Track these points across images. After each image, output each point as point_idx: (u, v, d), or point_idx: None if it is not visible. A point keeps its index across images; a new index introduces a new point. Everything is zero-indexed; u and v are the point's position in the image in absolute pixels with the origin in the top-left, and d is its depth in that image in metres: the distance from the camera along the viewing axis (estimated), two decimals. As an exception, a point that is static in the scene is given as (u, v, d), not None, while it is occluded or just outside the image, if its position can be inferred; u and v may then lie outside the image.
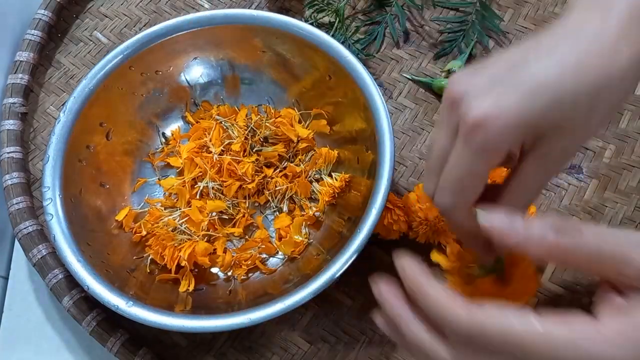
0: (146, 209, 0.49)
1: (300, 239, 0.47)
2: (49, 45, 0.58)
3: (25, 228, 0.47)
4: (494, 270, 0.36)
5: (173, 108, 0.52)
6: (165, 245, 0.45)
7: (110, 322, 0.44)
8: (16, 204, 0.48)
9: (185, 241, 0.46)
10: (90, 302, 0.45)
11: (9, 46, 0.57)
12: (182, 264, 0.44)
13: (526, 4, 0.57)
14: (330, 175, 0.48)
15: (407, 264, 0.29)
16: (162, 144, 0.52)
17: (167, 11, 0.60)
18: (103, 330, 0.44)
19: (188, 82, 0.52)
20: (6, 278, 0.50)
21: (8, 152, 0.51)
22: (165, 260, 0.45)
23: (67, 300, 0.44)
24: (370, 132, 0.43)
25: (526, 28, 0.56)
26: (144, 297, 0.41)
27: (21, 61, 0.55)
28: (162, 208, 0.49)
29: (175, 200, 0.49)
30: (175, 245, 0.45)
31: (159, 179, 0.51)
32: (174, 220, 0.47)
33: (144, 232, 0.47)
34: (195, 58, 0.51)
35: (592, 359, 0.22)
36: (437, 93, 0.53)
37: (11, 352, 0.47)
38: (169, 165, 0.51)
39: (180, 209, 0.48)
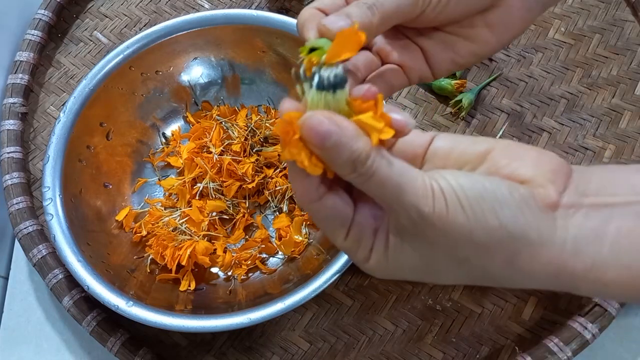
0: (146, 209, 0.49)
1: (300, 238, 0.47)
2: (49, 45, 0.58)
3: (25, 228, 0.47)
4: None
5: (173, 108, 0.52)
6: (166, 245, 0.45)
7: (110, 322, 0.44)
8: (16, 204, 0.48)
9: (186, 241, 0.46)
10: (90, 302, 0.45)
11: (9, 46, 0.57)
12: (183, 263, 0.44)
13: (526, 4, 0.57)
14: None
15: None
16: (162, 144, 0.52)
17: (167, 11, 0.60)
18: (103, 330, 0.44)
19: (188, 83, 0.52)
20: (6, 278, 0.50)
21: (8, 152, 0.51)
22: (166, 260, 0.45)
23: (67, 300, 0.44)
24: None
25: (526, 28, 0.56)
26: (144, 297, 0.41)
27: (21, 61, 0.55)
28: (162, 208, 0.49)
29: (175, 201, 0.49)
30: (176, 245, 0.45)
31: (159, 179, 0.51)
32: (175, 220, 0.47)
33: (144, 232, 0.47)
34: (196, 58, 0.51)
35: None
36: (437, 93, 0.53)
37: (11, 352, 0.47)
38: (169, 166, 0.51)
39: (180, 209, 0.48)
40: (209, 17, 0.48)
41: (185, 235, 0.47)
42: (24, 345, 0.48)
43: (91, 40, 0.59)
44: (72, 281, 0.46)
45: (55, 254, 0.47)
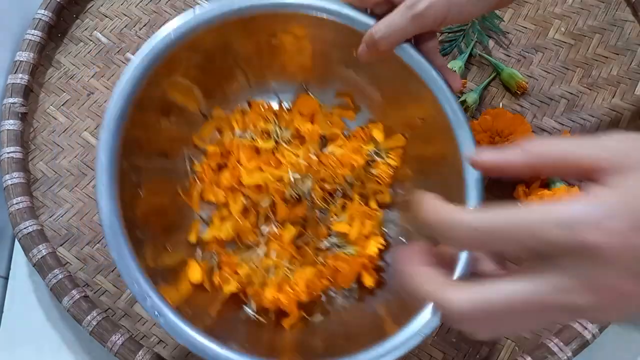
0: (208, 258, 0.45)
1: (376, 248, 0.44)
2: (49, 45, 0.58)
3: (25, 228, 0.47)
4: None
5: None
6: (264, 287, 0.43)
7: (110, 322, 0.44)
8: (16, 204, 0.48)
9: (281, 276, 0.43)
10: (90, 302, 0.45)
11: (9, 46, 0.57)
12: (296, 299, 0.42)
13: (526, 4, 0.57)
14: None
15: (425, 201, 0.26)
16: (190, 172, 0.48)
17: (167, 11, 0.60)
18: (103, 330, 0.44)
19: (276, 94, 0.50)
20: (6, 278, 0.50)
21: (8, 152, 0.51)
22: (270, 303, 0.42)
23: (67, 300, 0.44)
24: (451, 157, 0.39)
25: (526, 28, 0.56)
26: (252, 349, 0.38)
27: (21, 61, 0.55)
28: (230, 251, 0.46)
29: (231, 237, 0.45)
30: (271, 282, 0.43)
31: (206, 222, 0.47)
32: (258, 259, 0.44)
33: (235, 287, 0.43)
34: None
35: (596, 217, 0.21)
36: (437, 93, 0.53)
37: (11, 352, 0.47)
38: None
39: (258, 248, 0.44)
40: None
41: (276, 270, 0.43)
42: (24, 345, 0.48)
43: (91, 40, 0.59)
44: (72, 281, 0.46)
45: (55, 254, 0.47)
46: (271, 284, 0.43)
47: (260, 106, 0.49)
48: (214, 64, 0.46)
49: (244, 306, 0.44)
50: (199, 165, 0.47)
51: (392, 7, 0.39)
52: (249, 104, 0.50)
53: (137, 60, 0.40)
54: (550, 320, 0.24)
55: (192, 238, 0.46)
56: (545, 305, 0.22)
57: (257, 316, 0.43)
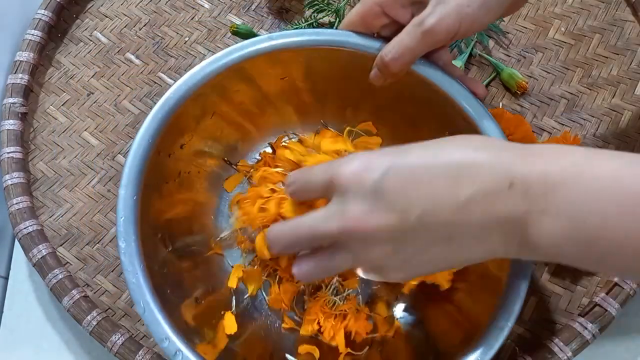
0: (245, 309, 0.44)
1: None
2: (49, 45, 0.58)
3: (25, 228, 0.47)
4: None
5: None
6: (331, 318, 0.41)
7: (110, 322, 0.44)
8: (16, 204, 0.48)
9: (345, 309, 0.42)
10: (90, 302, 0.45)
11: (9, 46, 0.57)
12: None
13: (526, 4, 0.57)
14: None
15: None
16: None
17: (167, 11, 0.60)
18: (103, 330, 0.44)
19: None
20: (6, 278, 0.50)
21: (8, 152, 0.51)
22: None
23: (67, 300, 0.44)
24: None
25: (526, 28, 0.56)
26: None
27: (21, 61, 0.55)
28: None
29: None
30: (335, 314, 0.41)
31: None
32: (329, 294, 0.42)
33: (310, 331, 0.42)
34: None
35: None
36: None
37: (11, 352, 0.47)
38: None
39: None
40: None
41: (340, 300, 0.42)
42: (24, 345, 0.48)
43: (91, 40, 0.59)
44: (72, 281, 0.46)
45: (55, 254, 0.47)
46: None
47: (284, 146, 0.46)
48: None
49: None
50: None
51: (399, 27, 0.38)
52: (272, 147, 0.48)
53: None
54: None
55: (232, 284, 0.43)
56: (314, 228, 0.31)
57: None
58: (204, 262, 0.45)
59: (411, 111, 0.44)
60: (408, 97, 0.42)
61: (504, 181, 0.27)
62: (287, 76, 0.44)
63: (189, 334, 0.36)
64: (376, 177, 0.28)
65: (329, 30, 0.42)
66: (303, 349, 0.41)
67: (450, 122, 0.40)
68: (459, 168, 0.28)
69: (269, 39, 0.41)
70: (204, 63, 0.41)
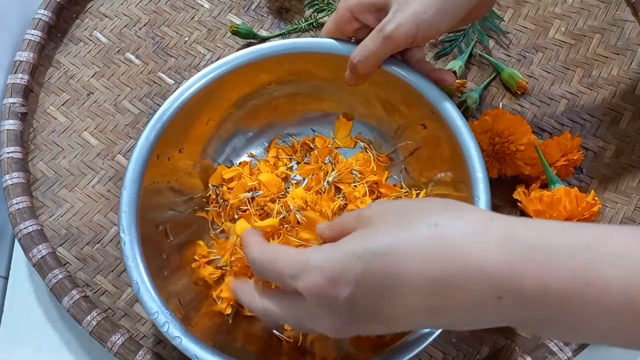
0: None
1: None
2: (49, 45, 0.58)
3: (25, 228, 0.47)
4: None
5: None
6: None
7: (110, 322, 0.44)
8: (16, 204, 0.48)
9: None
10: (90, 302, 0.45)
11: (9, 46, 0.57)
12: None
13: (526, 4, 0.57)
14: None
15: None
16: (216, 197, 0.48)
17: (167, 11, 0.60)
18: (103, 330, 0.44)
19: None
20: (6, 278, 0.50)
21: (8, 152, 0.51)
22: None
23: (67, 300, 0.44)
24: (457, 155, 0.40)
25: (526, 28, 0.56)
26: None
27: (21, 61, 0.55)
28: None
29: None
30: None
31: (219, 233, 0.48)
32: None
33: None
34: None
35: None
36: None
37: (11, 352, 0.47)
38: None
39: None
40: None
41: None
42: (23, 345, 0.48)
43: (91, 40, 0.59)
44: (72, 281, 0.46)
45: (55, 254, 0.47)
46: None
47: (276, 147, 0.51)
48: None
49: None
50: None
51: (370, 31, 0.40)
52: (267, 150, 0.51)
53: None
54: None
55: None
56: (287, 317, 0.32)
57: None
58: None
59: (389, 106, 0.47)
60: (383, 95, 0.46)
61: (491, 295, 0.25)
62: (273, 82, 0.47)
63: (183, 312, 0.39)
64: (346, 295, 0.28)
65: (308, 39, 0.46)
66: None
67: (420, 114, 0.44)
68: (433, 282, 0.26)
69: (251, 52, 0.44)
70: (199, 75, 0.44)
